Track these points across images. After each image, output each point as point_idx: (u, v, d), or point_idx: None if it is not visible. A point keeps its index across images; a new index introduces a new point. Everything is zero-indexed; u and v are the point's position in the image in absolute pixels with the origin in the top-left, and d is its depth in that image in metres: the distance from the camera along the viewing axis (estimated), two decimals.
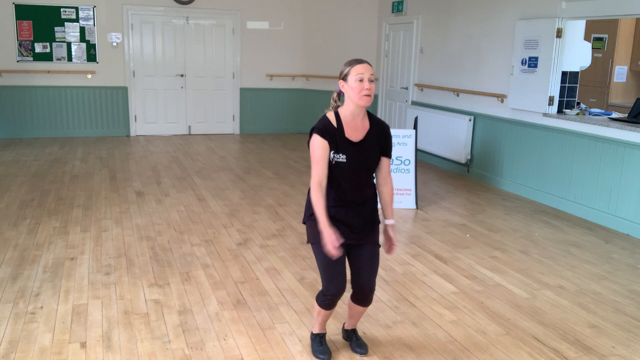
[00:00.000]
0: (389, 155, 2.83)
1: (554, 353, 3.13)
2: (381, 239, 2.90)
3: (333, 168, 2.70)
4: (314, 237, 2.78)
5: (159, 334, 3.20)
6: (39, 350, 3.00)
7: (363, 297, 2.88)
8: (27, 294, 3.67)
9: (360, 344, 3.08)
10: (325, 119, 2.73)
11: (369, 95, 2.64)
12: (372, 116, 2.80)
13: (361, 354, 3.04)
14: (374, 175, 2.86)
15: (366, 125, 2.76)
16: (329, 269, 2.75)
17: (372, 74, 2.66)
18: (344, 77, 2.69)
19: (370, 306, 3.59)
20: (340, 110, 2.74)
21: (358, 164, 2.72)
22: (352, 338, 3.12)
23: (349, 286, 2.92)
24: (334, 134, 2.68)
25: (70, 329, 3.23)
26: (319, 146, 2.66)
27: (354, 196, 2.75)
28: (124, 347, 3.05)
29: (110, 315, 3.40)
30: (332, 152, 2.68)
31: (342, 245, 2.76)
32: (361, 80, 2.63)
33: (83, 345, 3.06)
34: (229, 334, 3.22)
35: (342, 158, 2.68)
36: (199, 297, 3.70)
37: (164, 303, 3.59)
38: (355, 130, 2.72)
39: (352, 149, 2.70)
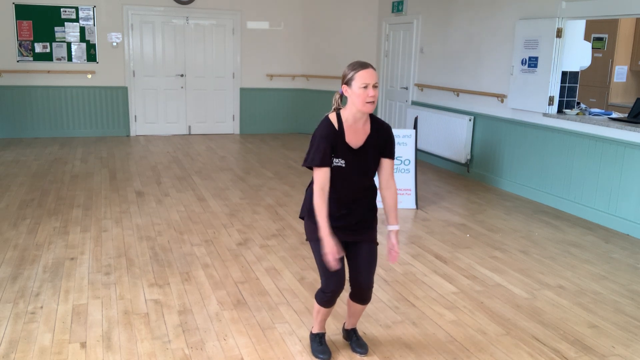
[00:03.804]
0: (391, 157, 2.79)
1: (554, 353, 3.13)
2: (380, 239, 2.89)
3: (332, 171, 2.69)
4: (312, 235, 2.79)
5: (159, 334, 3.20)
6: (39, 350, 3.00)
7: (361, 294, 2.89)
8: (27, 294, 3.67)
9: (361, 343, 3.08)
10: (327, 121, 2.70)
11: (372, 102, 2.62)
12: (373, 119, 2.77)
13: (361, 353, 3.04)
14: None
15: (367, 129, 2.73)
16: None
17: (376, 81, 2.62)
18: (347, 82, 2.65)
19: (370, 306, 3.60)
20: (342, 113, 2.72)
21: (357, 170, 2.71)
22: (352, 338, 3.12)
23: (347, 285, 2.92)
24: (335, 139, 2.67)
25: (70, 329, 3.23)
26: (322, 150, 2.64)
27: (353, 197, 2.75)
28: (124, 347, 3.05)
29: (110, 315, 3.40)
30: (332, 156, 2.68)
31: (340, 243, 2.77)
32: (365, 87, 2.60)
33: (83, 345, 3.06)
34: (229, 334, 3.22)
35: (341, 163, 2.68)
36: (199, 297, 3.70)
37: (164, 303, 3.59)
38: (356, 134, 2.70)
39: (351, 155, 2.68)
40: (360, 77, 2.61)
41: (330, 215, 2.71)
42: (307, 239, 2.86)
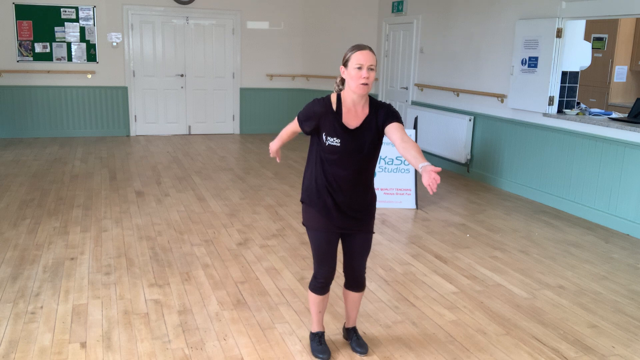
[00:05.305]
0: (396, 121, 2.70)
1: (554, 353, 3.13)
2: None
3: (326, 150, 2.72)
4: (309, 221, 2.85)
5: (159, 334, 3.20)
6: (39, 350, 3.00)
7: (355, 280, 2.95)
8: (27, 294, 3.67)
9: (361, 343, 3.08)
10: (327, 100, 2.74)
11: (366, 84, 2.64)
12: (372, 101, 2.78)
13: (361, 353, 3.04)
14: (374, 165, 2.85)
15: (366, 111, 2.75)
16: (322, 252, 2.83)
17: (372, 63, 2.63)
18: (344, 63, 2.69)
19: (370, 306, 3.60)
20: (343, 94, 2.75)
21: (352, 149, 2.72)
22: (352, 337, 3.12)
23: (342, 281, 2.92)
24: (328, 117, 2.70)
25: (70, 329, 3.23)
26: (310, 119, 2.76)
27: (350, 181, 2.76)
28: (124, 347, 3.06)
29: (110, 315, 3.40)
30: (324, 134, 2.71)
31: (337, 234, 2.83)
32: (360, 68, 2.62)
33: (83, 345, 3.06)
34: (229, 334, 3.22)
35: (336, 142, 2.70)
36: (199, 297, 3.70)
37: (164, 303, 3.59)
38: (355, 116, 2.73)
39: (346, 134, 2.70)
40: (356, 58, 2.64)
41: (325, 189, 2.77)
42: (303, 223, 2.90)
